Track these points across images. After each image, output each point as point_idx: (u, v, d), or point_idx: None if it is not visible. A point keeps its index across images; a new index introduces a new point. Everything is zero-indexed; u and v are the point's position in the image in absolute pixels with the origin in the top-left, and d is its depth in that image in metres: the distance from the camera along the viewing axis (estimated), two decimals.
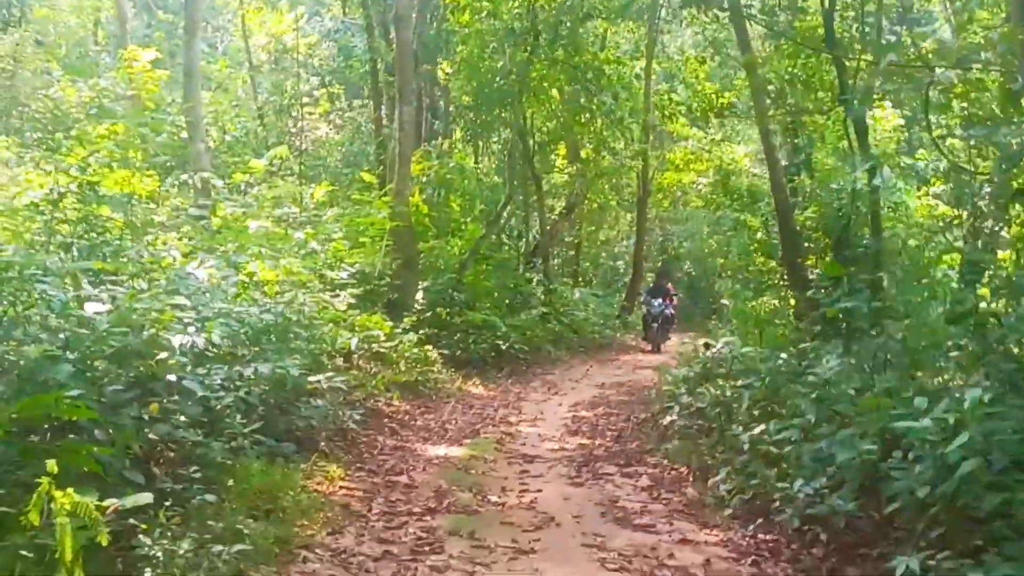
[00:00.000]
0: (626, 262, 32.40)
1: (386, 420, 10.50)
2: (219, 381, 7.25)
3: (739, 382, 9.40)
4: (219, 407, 7.13)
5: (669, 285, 23.89)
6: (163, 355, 6.34)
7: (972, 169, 12.34)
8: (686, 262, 34.40)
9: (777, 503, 6.63)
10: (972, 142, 13.02)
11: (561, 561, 6.17)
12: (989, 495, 5.39)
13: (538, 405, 13.12)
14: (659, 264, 30.46)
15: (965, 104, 12.71)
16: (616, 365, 19.06)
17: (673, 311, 22.88)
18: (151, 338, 6.39)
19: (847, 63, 13.47)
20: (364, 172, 18.87)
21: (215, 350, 7.58)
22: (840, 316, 10.61)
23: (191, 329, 6.80)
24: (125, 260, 8.51)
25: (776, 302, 17.04)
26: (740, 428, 7.71)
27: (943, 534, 5.33)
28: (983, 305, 8.09)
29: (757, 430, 7.41)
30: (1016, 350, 6.99)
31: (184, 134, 15.38)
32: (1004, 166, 9.81)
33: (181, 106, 15.54)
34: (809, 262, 15.92)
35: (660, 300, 22.34)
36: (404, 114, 15.99)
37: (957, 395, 5.60)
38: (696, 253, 32.24)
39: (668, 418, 10.21)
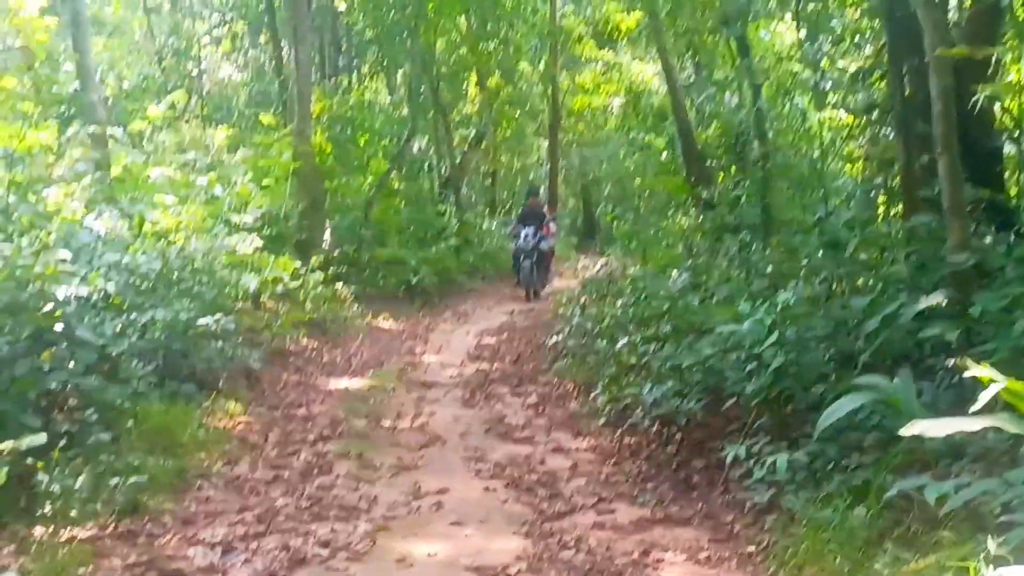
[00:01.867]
0: (545, 188, 32.75)
1: (291, 358, 10.89)
2: (114, 329, 7.61)
3: (620, 301, 9.94)
4: (115, 353, 7.49)
5: (545, 207, 20.29)
6: (49, 307, 6.65)
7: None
8: (607, 184, 34.79)
9: (638, 409, 7.21)
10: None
11: (440, 473, 6.70)
12: (817, 386, 6.00)
13: (446, 335, 13.59)
14: (529, 185, 24.18)
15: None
16: None
17: (551, 243, 18.16)
18: (38, 292, 6.70)
19: None
20: (265, 114, 18.97)
21: (110, 299, 7.91)
22: (729, 231, 11.18)
23: (76, 281, 7.10)
24: (16, 216, 8.73)
25: (684, 221, 17.61)
26: (606, 343, 8.25)
27: (768, 424, 5.93)
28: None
29: (620, 343, 7.96)
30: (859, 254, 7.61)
31: (77, 83, 15.31)
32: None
33: (71, 55, 15.45)
34: (720, 179, 16.49)
35: (531, 229, 17.42)
36: (300, 52, 16.10)
37: (777, 300, 6.17)
38: (616, 175, 32.63)
39: (556, 338, 10.76)
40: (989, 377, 3.62)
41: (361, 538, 5.35)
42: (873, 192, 10.31)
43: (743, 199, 10.25)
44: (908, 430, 3.99)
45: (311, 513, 5.80)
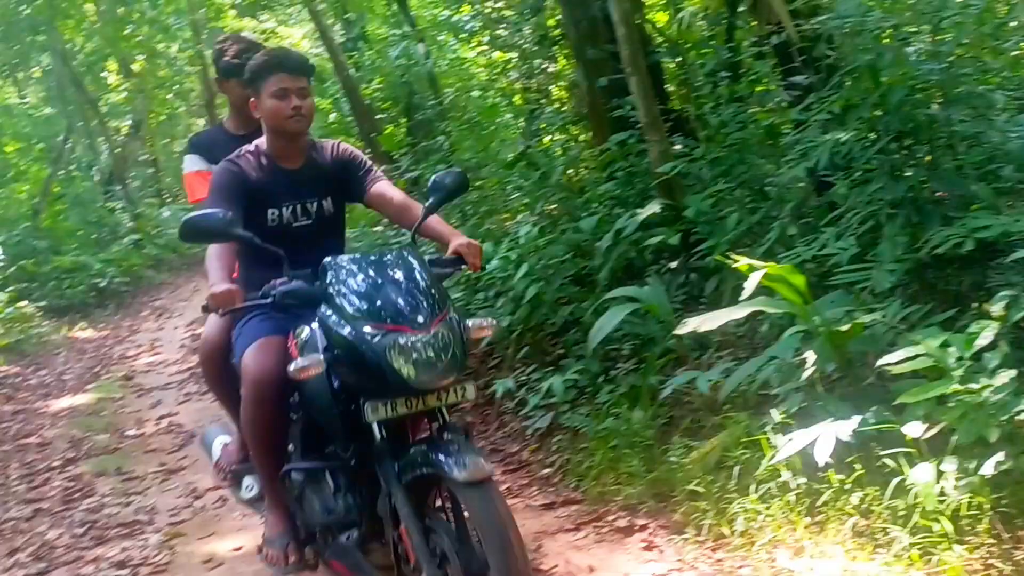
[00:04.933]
0: None
1: None
2: None
3: None
4: None
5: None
6: None
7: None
8: None
9: None
10: None
11: (210, 469, 6.52)
12: (561, 310, 6.32)
13: (153, 333, 13.04)
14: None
15: None
16: None
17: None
18: None
19: None
20: None
21: None
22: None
23: None
24: None
25: None
26: None
27: (529, 353, 6.22)
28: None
29: None
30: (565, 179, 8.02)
31: None
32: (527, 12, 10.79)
33: None
34: (387, 132, 16.61)
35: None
36: None
37: (517, 233, 6.44)
38: None
39: None
40: (749, 266, 4.00)
41: (157, 549, 5.16)
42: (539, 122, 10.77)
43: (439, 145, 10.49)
44: (682, 329, 4.35)
45: (91, 538, 5.51)
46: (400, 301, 3.26)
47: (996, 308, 3.64)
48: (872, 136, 5.06)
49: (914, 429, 3.59)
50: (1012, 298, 3.69)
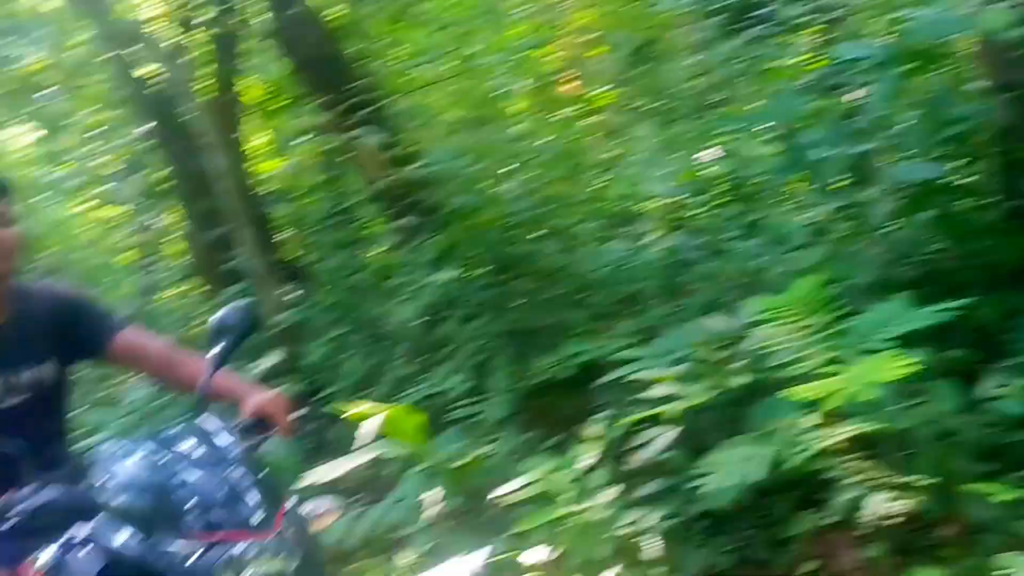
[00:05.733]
0: None
1: None
2: None
3: None
4: None
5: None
6: None
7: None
8: None
9: None
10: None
11: None
12: None
13: None
14: None
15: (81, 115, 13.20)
16: None
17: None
18: None
19: None
20: None
21: None
22: None
23: None
24: None
25: None
26: None
27: None
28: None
29: None
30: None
31: None
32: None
33: None
34: None
35: None
36: None
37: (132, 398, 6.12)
38: None
39: None
40: (364, 412, 4.02)
41: None
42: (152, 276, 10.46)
43: None
44: (305, 481, 4.28)
45: None
46: (221, 497, 2.10)
47: (595, 430, 3.85)
48: (475, 273, 5.29)
49: (535, 555, 3.69)
50: (611, 417, 3.92)
